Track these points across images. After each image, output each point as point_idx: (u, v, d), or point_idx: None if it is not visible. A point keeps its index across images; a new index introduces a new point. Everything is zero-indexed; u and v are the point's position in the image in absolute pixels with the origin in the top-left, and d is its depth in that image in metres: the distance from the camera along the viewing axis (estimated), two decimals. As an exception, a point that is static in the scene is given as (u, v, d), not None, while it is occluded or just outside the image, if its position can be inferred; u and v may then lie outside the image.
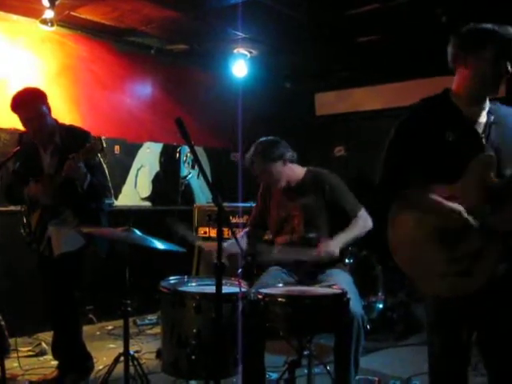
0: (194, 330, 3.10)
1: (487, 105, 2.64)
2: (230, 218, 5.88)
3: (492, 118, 2.61)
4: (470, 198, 2.52)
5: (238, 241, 3.14)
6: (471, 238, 2.50)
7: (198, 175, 7.29)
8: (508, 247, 2.47)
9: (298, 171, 3.82)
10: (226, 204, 5.69)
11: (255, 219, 4.05)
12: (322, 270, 3.59)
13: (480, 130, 2.59)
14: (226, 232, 4.74)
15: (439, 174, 2.58)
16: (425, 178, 2.59)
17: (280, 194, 3.81)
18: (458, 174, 2.55)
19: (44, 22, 5.35)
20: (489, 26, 2.57)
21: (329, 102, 7.92)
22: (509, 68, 2.54)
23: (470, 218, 2.48)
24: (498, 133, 2.58)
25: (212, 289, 3.13)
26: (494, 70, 2.53)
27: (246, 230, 4.05)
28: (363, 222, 3.68)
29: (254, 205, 4.18)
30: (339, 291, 3.04)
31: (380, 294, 5.94)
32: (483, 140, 2.57)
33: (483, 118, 2.62)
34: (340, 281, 3.37)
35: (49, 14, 5.26)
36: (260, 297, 2.97)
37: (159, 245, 3.28)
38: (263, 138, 3.80)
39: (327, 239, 3.55)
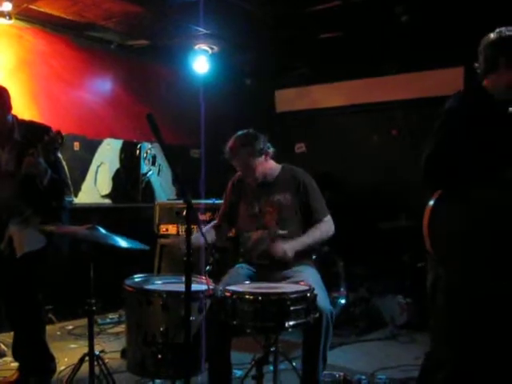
0: (161, 329, 3.07)
1: None
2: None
3: None
4: None
5: (204, 235, 3.11)
6: None
7: (159, 172, 7.24)
8: None
9: (273, 167, 3.81)
10: (196, 201, 5.66)
11: (225, 213, 4.01)
12: (288, 266, 3.59)
13: None
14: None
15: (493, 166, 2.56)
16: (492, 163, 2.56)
17: (253, 189, 3.79)
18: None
19: (1, 14, 5.27)
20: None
21: (289, 99, 7.92)
22: None
23: None
24: None
25: (178, 286, 3.12)
26: None
27: (214, 223, 4.03)
28: (327, 227, 3.70)
29: (217, 201, 4.14)
30: (306, 287, 3.05)
31: (342, 289, 5.99)
32: None
33: None
34: (307, 277, 3.38)
35: (6, 6, 5.18)
36: (227, 294, 2.96)
37: (123, 243, 3.24)
38: (245, 130, 3.77)
39: (285, 241, 3.56)
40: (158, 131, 2.36)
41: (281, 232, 3.60)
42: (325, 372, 4.04)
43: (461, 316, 2.54)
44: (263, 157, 3.69)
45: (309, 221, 3.67)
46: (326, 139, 7.48)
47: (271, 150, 3.76)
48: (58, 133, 3.58)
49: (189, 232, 2.51)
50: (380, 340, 5.35)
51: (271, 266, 3.59)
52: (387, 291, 6.04)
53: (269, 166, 3.76)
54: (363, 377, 3.79)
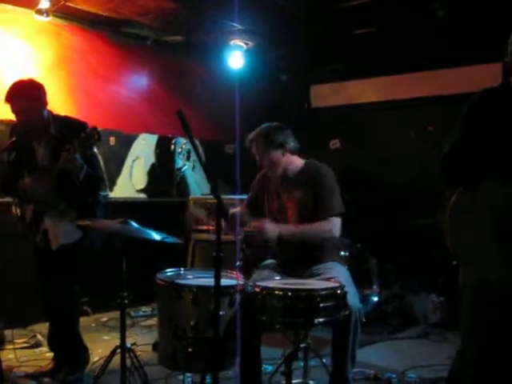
0: (192, 323, 3.10)
1: None
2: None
3: None
4: None
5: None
6: None
7: (193, 167, 7.29)
8: None
9: (296, 162, 3.77)
10: (225, 196, 5.69)
11: (248, 203, 4.00)
12: (316, 263, 3.58)
13: None
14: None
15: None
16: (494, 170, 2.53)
17: (276, 183, 3.77)
18: None
19: (39, 12, 5.34)
20: None
21: (324, 95, 7.91)
22: None
23: None
24: None
25: (209, 281, 3.14)
26: None
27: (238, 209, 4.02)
28: (328, 226, 3.57)
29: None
30: (336, 284, 3.05)
31: (375, 286, 5.96)
32: None
33: None
34: (337, 274, 3.37)
35: (44, 4, 5.26)
36: (257, 290, 2.97)
37: (155, 236, 3.27)
38: (269, 123, 3.76)
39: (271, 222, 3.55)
40: (188, 127, 2.38)
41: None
42: (356, 369, 4.05)
43: (486, 313, 2.53)
44: (281, 150, 3.66)
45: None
46: (360, 135, 7.44)
47: (292, 145, 3.71)
48: (95, 129, 3.62)
49: (218, 226, 2.52)
50: (412, 338, 5.30)
51: (300, 262, 3.58)
52: (420, 289, 5.99)
53: (290, 161, 3.72)
54: (393, 375, 3.78)
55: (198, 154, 2.54)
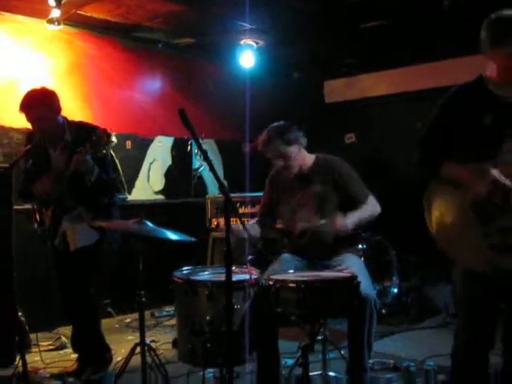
0: (208, 318, 3.15)
1: None
2: (238, 207, 5.94)
3: None
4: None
5: (245, 227, 3.16)
6: (507, 213, 2.52)
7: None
8: None
9: (307, 158, 3.80)
10: (235, 194, 5.75)
11: (264, 208, 4.03)
12: (333, 255, 3.62)
13: None
14: (235, 222, 4.73)
15: (476, 156, 2.60)
16: (461, 161, 2.63)
17: (290, 181, 3.79)
18: (493, 156, 2.58)
19: (51, 21, 5.42)
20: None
21: (337, 90, 7.91)
22: None
23: (507, 180, 2.50)
24: None
25: (224, 277, 3.18)
26: None
27: (256, 219, 4.07)
28: (372, 207, 3.65)
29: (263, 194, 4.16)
30: (349, 275, 3.08)
31: (394, 278, 5.97)
32: None
33: None
34: (351, 265, 3.40)
35: (55, 13, 5.32)
36: (271, 283, 3.01)
37: (170, 235, 3.33)
38: (277, 123, 3.77)
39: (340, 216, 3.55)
40: (190, 126, 2.43)
41: (322, 222, 3.60)
42: (375, 360, 4.09)
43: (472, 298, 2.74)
44: (296, 146, 3.67)
45: (350, 208, 3.63)
46: (375, 128, 7.43)
47: (304, 140, 3.73)
48: (105, 131, 3.69)
49: (228, 223, 2.57)
50: (431, 328, 5.31)
51: (317, 255, 3.61)
52: (440, 280, 5.97)
53: (303, 157, 3.75)
54: (412, 364, 3.79)
55: (203, 152, 2.57)
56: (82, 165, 3.75)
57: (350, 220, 3.52)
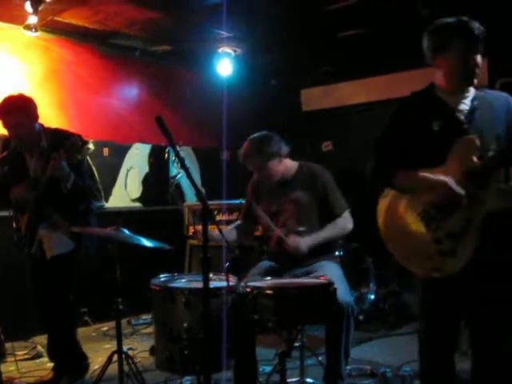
0: (185, 325, 3.15)
1: (471, 92, 2.72)
2: (216, 215, 5.96)
3: (476, 103, 2.68)
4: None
5: (223, 233, 3.18)
6: (454, 219, 2.59)
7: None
8: (489, 229, 2.54)
9: (290, 166, 3.83)
10: (212, 202, 5.76)
11: (246, 213, 4.06)
12: (309, 262, 3.64)
13: (463, 117, 2.67)
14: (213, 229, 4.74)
15: (427, 162, 2.67)
16: (413, 166, 2.69)
17: (272, 187, 3.82)
18: (444, 161, 2.65)
19: (28, 27, 5.38)
20: (452, 21, 2.69)
21: (315, 98, 7.96)
22: (477, 61, 2.64)
23: (457, 188, 2.56)
24: (482, 117, 2.66)
25: (201, 284, 3.19)
26: (463, 66, 2.66)
27: (237, 223, 4.09)
28: (344, 223, 3.73)
29: (240, 201, 4.20)
30: (326, 281, 3.10)
31: (371, 285, 6.00)
32: (466, 126, 2.64)
33: (466, 106, 2.69)
34: (328, 271, 3.42)
35: (32, 19, 5.28)
36: (248, 290, 3.02)
37: (147, 242, 3.33)
38: (258, 134, 3.79)
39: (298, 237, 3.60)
40: (168, 133, 2.43)
41: (300, 229, 3.63)
42: (352, 366, 4.12)
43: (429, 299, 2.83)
44: (277, 158, 3.71)
45: (328, 217, 3.70)
46: (352, 137, 7.48)
47: (285, 150, 3.77)
48: (79, 136, 3.69)
49: (205, 231, 2.58)
50: (409, 334, 5.33)
51: (293, 263, 3.63)
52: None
53: (284, 166, 3.78)
54: (388, 370, 3.82)
55: (180, 160, 2.58)
56: (58, 171, 3.73)
57: (310, 241, 3.58)
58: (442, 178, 2.59)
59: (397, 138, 2.78)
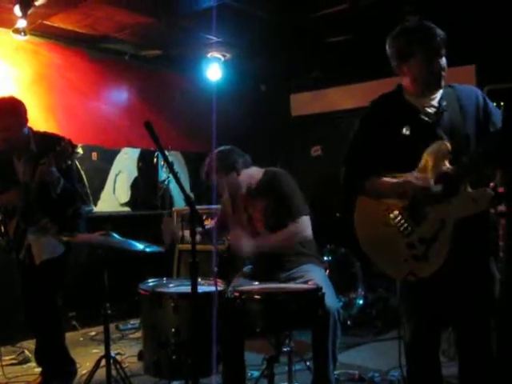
0: (173, 330, 3.15)
1: (439, 93, 2.70)
2: (205, 220, 5.95)
3: (444, 104, 2.67)
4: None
5: (208, 233, 3.18)
6: (426, 224, 2.61)
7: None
8: (461, 234, 2.55)
9: (255, 174, 3.81)
10: (201, 206, 5.76)
11: (220, 221, 4.09)
12: (292, 265, 3.65)
13: (431, 119, 2.67)
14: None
15: (398, 166, 2.69)
16: (385, 170, 2.70)
17: (242, 197, 3.82)
18: (416, 165, 2.66)
19: (17, 31, 5.37)
20: (412, 27, 2.72)
21: (304, 103, 7.98)
22: (442, 64, 2.65)
23: (419, 181, 2.59)
24: (450, 119, 2.65)
25: (190, 289, 3.19)
26: (428, 72, 2.66)
27: (209, 226, 4.14)
28: (299, 228, 3.62)
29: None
30: (314, 286, 3.10)
31: (360, 290, 6.01)
32: (436, 129, 2.64)
33: (434, 108, 2.69)
34: (315, 276, 3.43)
35: (21, 23, 5.27)
36: (236, 294, 3.02)
37: (137, 246, 3.33)
38: (215, 151, 3.80)
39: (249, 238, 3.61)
40: (156, 138, 2.44)
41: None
42: (340, 371, 4.13)
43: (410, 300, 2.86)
44: (234, 172, 3.70)
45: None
46: (341, 142, 7.47)
47: (242, 161, 3.76)
48: (69, 141, 3.67)
49: (193, 236, 2.58)
50: (397, 339, 5.34)
51: (277, 267, 3.64)
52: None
53: (247, 176, 3.77)
54: (376, 374, 3.84)
55: (169, 165, 2.59)
56: (48, 176, 3.72)
57: (253, 244, 3.57)
58: (403, 178, 2.62)
59: (367, 145, 2.78)
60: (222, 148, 3.82)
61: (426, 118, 2.67)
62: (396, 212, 2.70)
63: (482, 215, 2.59)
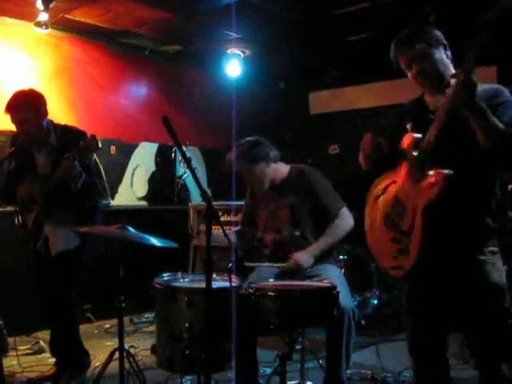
0: (187, 325, 3.15)
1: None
2: (221, 215, 5.96)
3: None
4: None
5: (226, 233, 3.18)
6: (405, 216, 2.61)
7: (195, 174, 7.34)
8: (436, 224, 2.52)
9: (281, 170, 3.83)
10: (219, 202, 5.76)
11: (244, 218, 4.09)
12: (312, 265, 3.63)
13: (433, 115, 2.62)
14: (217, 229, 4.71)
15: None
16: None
17: (266, 192, 3.83)
18: None
19: (38, 24, 5.41)
20: (397, 38, 2.79)
21: (323, 101, 7.97)
22: (416, 70, 2.67)
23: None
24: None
25: (204, 284, 3.19)
26: (414, 79, 2.72)
27: (237, 228, 4.10)
28: (343, 221, 3.68)
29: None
30: (328, 285, 3.10)
31: (374, 289, 6.00)
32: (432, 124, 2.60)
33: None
34: (330, 275, 3.43)
35: (43, 16, 5.31)
36: (251, 291, 3.03)
37: (152, 241, 3.33)
38: (245, 139, 3.79)
39: (301, 252, 3.59)
40: (174, 133, 2.44)
41: (296, 233, 3.65)
42: (353, 370, 4.12)
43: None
44: (264, 163, 3.71)
45: (324, 219, 3.69)
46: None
47: (274, 155, 3.76)
48: (93, 137, 3.68)
49: (209, 231, 2.58)
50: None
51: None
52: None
53: (274, 171, 3.78)
54: (389, 375, 3.82)
55: (186, 160, 2.59)
56: (71, 171, 3.75)
57: (310, 255, 3.57)
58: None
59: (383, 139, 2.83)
60: (251, 138, 3.80)
61: (431, 115, 2.64)
62: (388, 209, 2.72)
63: (464, 206, 2.56)
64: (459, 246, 2.60)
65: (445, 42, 2.73)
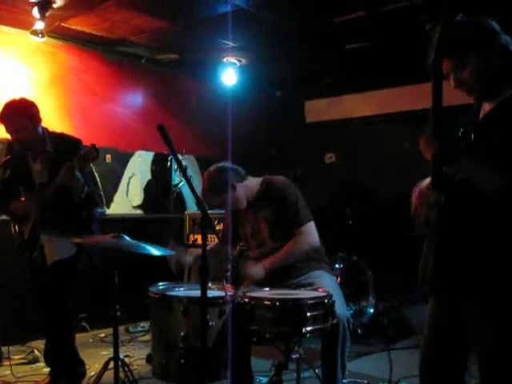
0: (182, 334, 3.14)
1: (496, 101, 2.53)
2: (217, 224, 5.95)
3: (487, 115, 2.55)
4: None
5: (222, 243, 3.18)
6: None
7: (190, 183, 7.33)
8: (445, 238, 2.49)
9: (252, 185, 3.79)
10: (214, 211, 5.75)
11: (225, 235, 4.07)
12: (302, 271, 3.63)
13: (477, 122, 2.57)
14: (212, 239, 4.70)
15: None
16: None
17: (245, 210, 3.81)
18: None
19: (34, 33, 5.42)
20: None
21: (318, 109, 7.99)
22: (454, 77, 2.56)
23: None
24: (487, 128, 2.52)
25: (199, 293, 3.18)
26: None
27: (214, 244, 4.10)
28: (305, 238, 3.59)
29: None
30: (324, 294, 3.09)
31: (371, 298, 5.99)
32: (475, 131, 2.53)
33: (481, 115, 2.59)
34: (325, 283, 3.42)
35: (39, 25, 5.32)
36: (246, 300, 3.02)
37: (148, 250, 3.32)
38: (208, 171, 3.79)
39: (254, 263, 3.58)
40: (169, 142, 2.44)
41: (278, 245, 3.61)
42: (349, 379, 4.10)
43: None
44: (230, 189, 3.66)
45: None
46: (355, 149, 7.49)
47: (236, 176, 3.73)
48: (93, 146, 3.67)
49: (204, 240, 2.58)
50: (408, 349, 5.32)
51: (286, 274, 3.61)
52: (417, 300, 5.99)
53: (245, 189, 3.75)
54: (385, 384, 3.82)
55: (181, 168, 2.59)
56: (71, 181, 3.73)
57: (261, 268, 3.53)
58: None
59: None
60: (211, 169, 3.78)
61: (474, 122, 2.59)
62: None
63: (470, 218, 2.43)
64: (473, 268, 2.43)
65: None
